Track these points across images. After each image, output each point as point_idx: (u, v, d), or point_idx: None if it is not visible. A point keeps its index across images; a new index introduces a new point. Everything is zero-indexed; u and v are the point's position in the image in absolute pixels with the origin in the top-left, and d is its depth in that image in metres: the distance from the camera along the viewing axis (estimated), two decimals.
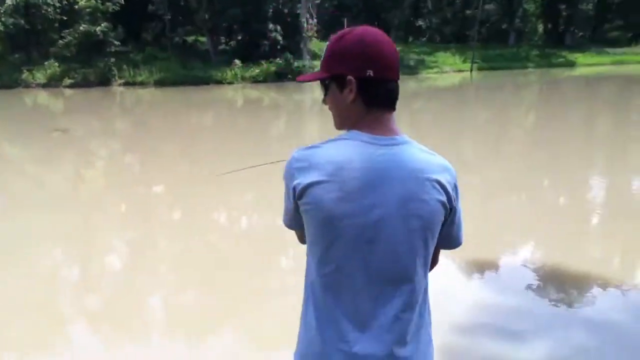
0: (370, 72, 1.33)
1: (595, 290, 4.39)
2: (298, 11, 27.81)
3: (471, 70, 29.24)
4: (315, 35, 28.53)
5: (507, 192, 7.66)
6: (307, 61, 26.51)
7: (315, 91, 23.45)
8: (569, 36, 40.91)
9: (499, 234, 5.88)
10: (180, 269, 5.01)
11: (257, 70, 25.59)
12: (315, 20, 28.45)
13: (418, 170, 1.32)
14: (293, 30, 27.56)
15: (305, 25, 26.98)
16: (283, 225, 1.51)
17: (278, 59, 26.08)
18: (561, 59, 33.11)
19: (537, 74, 29.83)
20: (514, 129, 13.79)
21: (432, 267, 1.51)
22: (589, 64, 32.08)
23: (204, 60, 27.11)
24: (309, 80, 1.49)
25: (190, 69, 25.82)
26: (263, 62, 25.84)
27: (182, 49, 28.91)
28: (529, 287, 4.44)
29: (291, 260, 5.19)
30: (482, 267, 4.83)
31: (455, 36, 38.85)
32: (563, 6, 39.10)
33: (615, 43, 37.88)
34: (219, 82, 24.82)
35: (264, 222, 6.52)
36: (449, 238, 1.46)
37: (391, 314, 1.37)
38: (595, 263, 4.96)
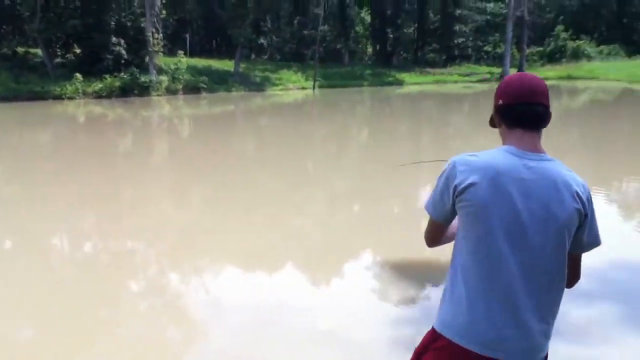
0: (500, 101, 1.79)
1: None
2: (142, 25, 27.46)
3: (314, 88, 31.28)
4: (162, 50, 28.37)
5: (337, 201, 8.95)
6: (153, 76, 26.29)
7: (164, 107, 23.47)
8: (396, 57, 45.45)
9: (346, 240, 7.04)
10: None
11: (101, 85, 24.76)
12: (161, 34, 28.30)
13: (560, 182, 1.66)
14: (138, 45, 27.14)
15: (151, 39, 26.73)
16: None
17: (123, 73, 25.52)
18: (391, 78, 36.74)
19: (371, 91, 32.82)
20: (350, 143, 15.46)
21: (573, 282, 1.82)
22: (415, 83, 36.02)
23: (40, 74, 25.48)
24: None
25: (24, 83, 24.12)
26: (107, 76, 25.09)
27: (13, 61, 26.83)
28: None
29: None
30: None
31: (294, 55, 41.05)
32: (389, 29, 43.37)
33: (434, 64, 42.98)
34: (58, 97, 23.54)
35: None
36: (581, 242, 1.73)
37: (534, 303, 1.66)
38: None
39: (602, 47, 43.77)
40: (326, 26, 39.12)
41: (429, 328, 1.81)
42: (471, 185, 1.66)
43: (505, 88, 1.79)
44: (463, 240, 1.73)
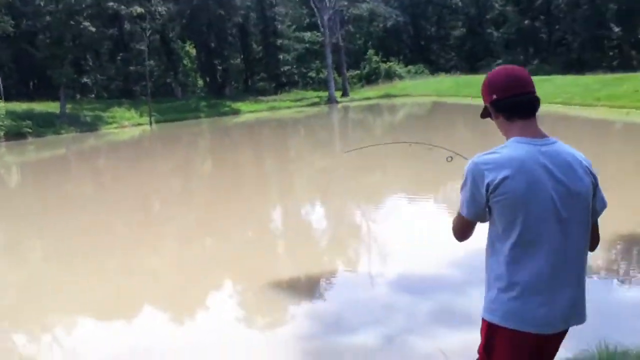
0: (494, 96, 1.95)
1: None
2: None
3: (150, 124, 30.69)
4: None
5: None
6: None
7: None
8: (228, 88, 46.34)
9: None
10: None
11: None
12: None
13: (572, 162, 1.88)
14: None
15: None
16: None
17: None
18: (227, 108, 37.40)
19: (208, 122, 33.11)
20: (193, 176, 15.56)
21: (595, 246, 2.01)
22: (250, 111, 37.06)
23: None
24: (483, 114, 2.11)
25: None
26: None
27: None
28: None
29: None
30: None
31: (123, 91, 39.83)
32: (217, 61, 44.14)
33: (265, 92, 44.65)
34: None
35: None
36: (595, 209, 1.96)
37: (578, 286, 1.91)
38: None
39: (409, 67, 49.21)
40: (152, 61, 38.61)
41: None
42: (505, 179, 1.81)
43: (496, 83, 1.98)
44: (504, 232, 1.87)
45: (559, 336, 1.96)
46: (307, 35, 48.10)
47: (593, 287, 5.03)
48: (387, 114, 31.55)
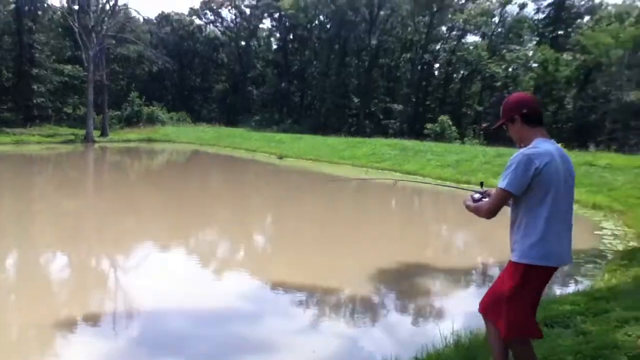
0: (525, 110, 3.08)
1: None
2: None
3: None
4: None
5: None
6: None
7: None
8: None
9: None
10: None
11: None
12: None
13: (567, 157, 3.08)
14: None
15: None
16: None
17: None
18: None
19: None
20: None
21: None
22: None
23: None
24: (497, 126, 3.27)
25: None
26: None
27: None
28: None
29: None
30: None
31: None
32: None
33: (11, 124, 39.21)
34: None
35: None
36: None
37: (570, 233, 3.09)
38: None
39: (172, 113, 49.36)
40: None
41: None
42: (546, 164, 2.92)
43: (526, 102, 3.15)
44: (534, 199, 2.95)
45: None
46: (68, 68, 44.70)
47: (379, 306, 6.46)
48: (145, 159, 31.10)
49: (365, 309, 6.53)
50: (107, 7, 40.37)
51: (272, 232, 11.88)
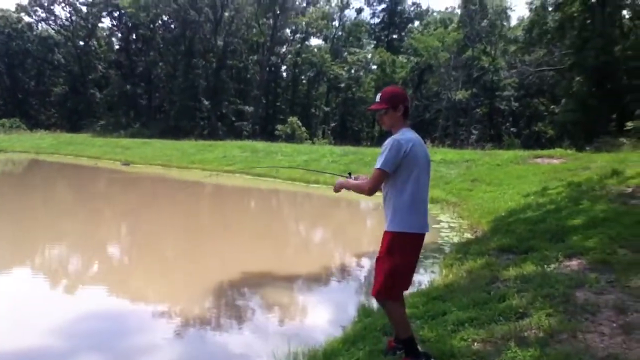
0: (406, 104, 3.71)
1: None
2: None
3: None
4: None
5: None
6: None
7: None
8: None
9: None
10: None
11: None
12: None
13: (423, 143, 3.76)
14: None
15: None
16: None
17: None
18: None
19: None
20: None
21: None
22: None
23: None
24: (376, 109, 3.74)
25: None
26: None
27: None
28: None
29: None
30: None
31: None
32: None
33: None
34: None
35: None
36: None
37: (427, 205, 3.73)
38: None
39: (3, 120, 44.93)
40: None
41: None
42: (412, 148, 3.54)
43: (405, 96, 3.77)
44: (402, 177, 3.56)
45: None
46: None
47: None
48: None
49: (230, 314, 6.42)
50: None
51: (122, 243, 11.57)
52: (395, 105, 3.67)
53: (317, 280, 7.79)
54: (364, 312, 5.55)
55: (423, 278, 7.12)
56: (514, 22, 46.01)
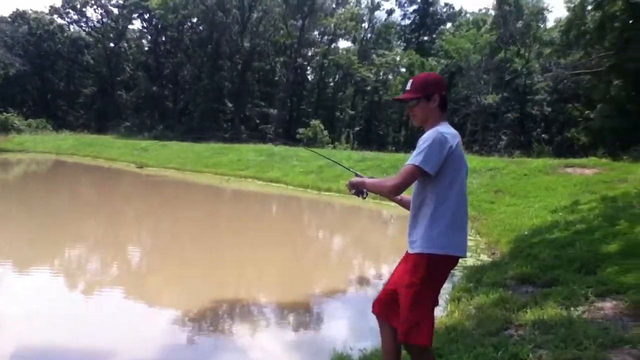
0: (444, 92, 2.86)
1: None
2: None
3: None
4: None
5: None
6: None
7: None
8: None
9: None
10: None
11: None
12: None
13: None
14: None
15: None
16: None
17: None
18: None
19: None
20: None
21: None
22: None
23: None
24: (404, 99, 2.92)
25: None
26: None
27: None
28: None
29: None
30: None
31: None
32: None
33: None
34: None
35: None
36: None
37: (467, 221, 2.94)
38: None
39: (30, 120, 45.23)
40: None
41: None
42: (457, 145, 2.74)
43: (444, 85, 2.95)
44: (445, 181, 2.72)
45: None
46: None
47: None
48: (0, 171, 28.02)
49: (244, 322, 6.25)
50: None
51: (120, 247, 10.78)
52: (429, 95, 2.86)
53: (335, 291, 7.49)
54: None
55: None
56: (550, 23, 44.03)
